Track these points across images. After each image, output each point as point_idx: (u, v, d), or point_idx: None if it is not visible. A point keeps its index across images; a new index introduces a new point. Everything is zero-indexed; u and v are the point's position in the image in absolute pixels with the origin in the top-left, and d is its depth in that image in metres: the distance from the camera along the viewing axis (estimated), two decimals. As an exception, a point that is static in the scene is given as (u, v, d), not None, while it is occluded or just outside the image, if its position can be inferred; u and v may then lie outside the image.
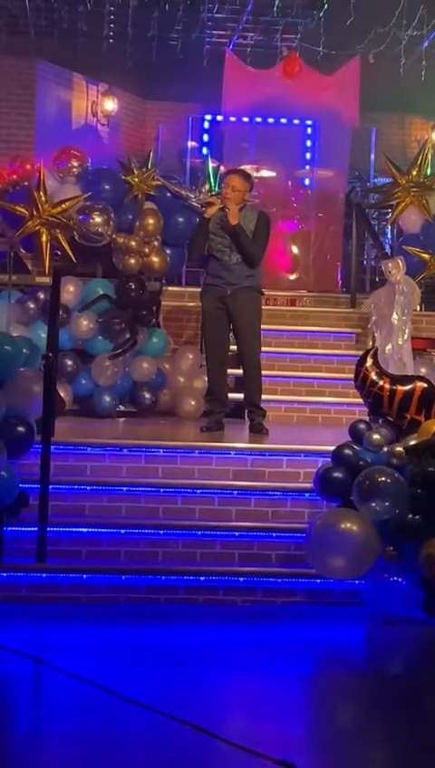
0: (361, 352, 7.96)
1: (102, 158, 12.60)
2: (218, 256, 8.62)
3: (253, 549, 7.10)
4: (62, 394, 9.22)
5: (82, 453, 7.58)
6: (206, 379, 9.01)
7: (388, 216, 12.49)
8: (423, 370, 9.67)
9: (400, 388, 7.16)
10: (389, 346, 9.96)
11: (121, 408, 9.84)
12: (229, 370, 9.08)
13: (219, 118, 13.82)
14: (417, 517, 6.58)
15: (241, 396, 9.03)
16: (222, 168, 13.13)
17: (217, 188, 12.05)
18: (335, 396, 10.22)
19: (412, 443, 6.87)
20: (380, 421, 7.22)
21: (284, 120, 13.68)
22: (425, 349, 10.65)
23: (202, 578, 6.86)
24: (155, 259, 10.81)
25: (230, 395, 9.09)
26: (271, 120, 13.64)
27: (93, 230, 10.77)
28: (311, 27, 13.95)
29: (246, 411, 8.85)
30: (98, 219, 10.77)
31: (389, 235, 13.52)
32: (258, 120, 13.56)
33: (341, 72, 13.46)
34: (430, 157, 12.03)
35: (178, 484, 7.44)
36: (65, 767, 4.34)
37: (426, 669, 6.07)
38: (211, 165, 13.07)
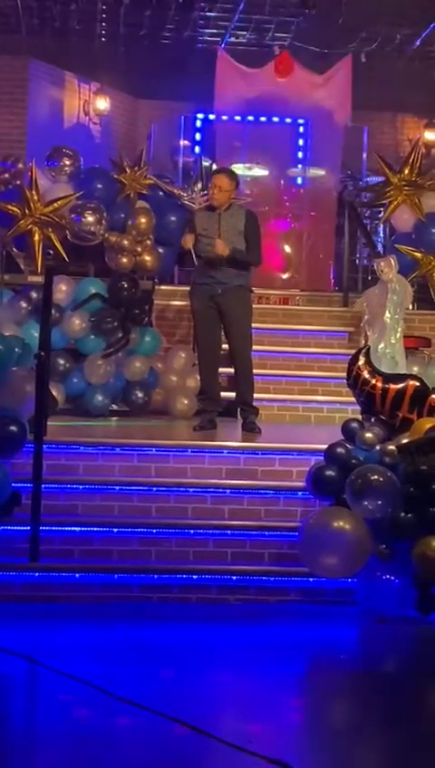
0: (353, 351, 7.96)
1: (95, 156, 12.59)
2: (207, 256, 8.60)
3: (246, 547, 7.10)
4: (54, 393, 9.21)
5: (74, 452, 7.58)
6: (198, 378, 9.01)
7: (380, 215, 12.50)
8: (416, 369, 9.68)
9: (392, 386, 7.17)
10: (381, 344, 9.96)
11: (114, 407, 9.83)
12: (221, 369, 9.08)
13: (211, 116, 13.82)
14: (410, 515, 6.58)
15: (234, 394, 9.02)
16: (214, 166, 13.14)
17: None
18: (328, 394, 10.22)
19: (405, 441, 6.88)
20: (372, 420, 7.22)
21: (276, 119, 13.68)
22: (417, 347, 10.65)
23: (195, 576, 6.86)
24: (147, 258, 10.80)
25: (223, 394, 9.09)
26: (263, 119, 13.64)
27: (86, 229, 10.76)
28: (303, 26, 13.98)
29: (239, 410, 8.85)
30: (90, 218, 10.76)
31: (381, 234, 13.53)
32: (250, 118, 13.55)
33: (333, 71, 13.47)
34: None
35: (170, 483, 7.44)
36: (59, 767, 4.34)
37: (419, 668, 6.07)
38: (204, 164, 13.06)
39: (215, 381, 8.85)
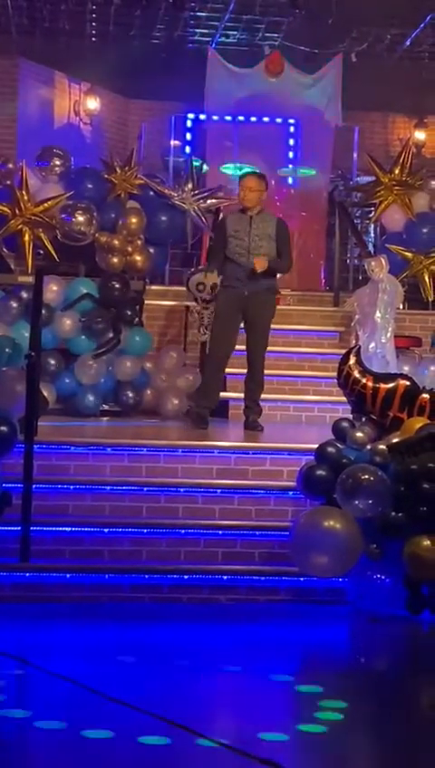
0: (344, 351, 7.96)
1: (85, 156, 12.58)
2: (237, 259, 8.64)
3: (236, 547, 7.10)
4: (45, 393, 9.20)
5: (65, 452, 7.57)
6: (190, 377, 9.03)
7: (371, 215, 12.51)
8: (406, 368, 9.69)
9: (383, 386, 7.17)
10: (372, 344, 9.98)
11: (105, 407, 9.83)
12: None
13: (202, 116, 13.82)
14: (400, 515, 6.59)
15: (227, 394, 9.04)
16: (205, 167, 13.14)
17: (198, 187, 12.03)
18: (319, 394, 10.23)
19: (395, 441, 6.88)
20: (363, 419, 7.23)
21: (266, 119, 13.69)
22: (408, 347, 10.67)
23: (186, 576, 6.87)
24: (138, 258, 10.80)
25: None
26: (254, 119, 13.64)
27: (76, 229, 10.76)
28: (293, 26, 13.99)
29: (244, 407, 8.87)
30: (81, 218, 10.77)
31: (372, 234, 13.54)
32: (241, 118, 13.56)
33: (323, 71, 13.47)
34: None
35: (161, 483, 7.44)
36: (49, 767, 4.34)
37: (410, 667, 6.08)
38: (195, 164, 13.07)
39: (218, 381, 8.93)
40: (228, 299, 8.75)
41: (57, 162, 11.26)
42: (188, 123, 14.24)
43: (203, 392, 8.85)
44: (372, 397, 7.15)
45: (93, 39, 14.79)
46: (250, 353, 8.87)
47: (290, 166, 13.84)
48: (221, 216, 9.03)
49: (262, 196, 8.80)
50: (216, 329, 8.94)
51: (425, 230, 11.75)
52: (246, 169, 13.34)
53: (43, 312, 8.84)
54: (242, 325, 8.83)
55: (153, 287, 11.32)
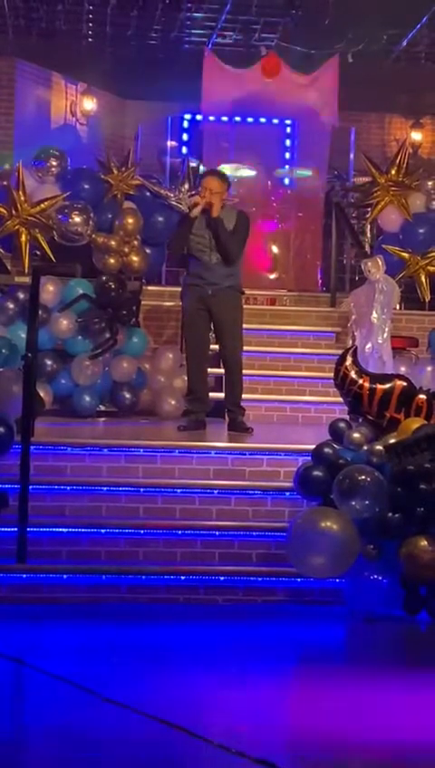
0: (340, 351, 7.97)
1: (82, 157, 12.57)
2: (198, 256, 8.63)
3: (233, 548, 7.11)
4: (41, 394, 9.20)
5: (62, 453, 7.57)
6: (186, 378, 9.02)
7: (367, 215, 12.51)
8: (403, 369, 9.70)
9: (379, 386, 7.18)
10: (368, 345, 9.98)
11: (102, 407, 9.82)
12: (209, 370, 9.08)
13: (199, 117, 13.81)
14: (397, 515, 6.59)
15: (222, 395, 9.03)
16: (201, 167, 13.13)
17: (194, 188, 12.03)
18: (315, 395, 10.23)
19: (392, 441, 6.89)
20: (359, 420, 7.23)
21: (263, 120, 13.68)
22: (405, 347, 10.67)
23: (183, 577, 6.87)
24: (135, 258, 10.80)
25: (211, 394, 9.09)
26: (250, 120, 13.64)
27: (73, 229, 10.75)
28: (290, 27, 13.99)
29: (226, 410, 8.85)
30: (77, 219, 10.76)
31: (368, 234, 13.53)
32: (238, 119, 13.55)
33: (320, 72, 13.46)
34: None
35: (158, 484, 7.44)
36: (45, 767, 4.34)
37: (407, 667, 6.08)
38: (191, 165, 13.07)
39: (203, 382, 8.86)
40: (192, 298, 8.70)
41: (54, 163, 11.25)
42: (185, 124, 14.24)
43: (193, 397, 8.80)
44: (369, 397, 7.15)
45: (90, 40, 14.78)
46: (222, 354, 8.84)
47: (287, 166, 13.84)
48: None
49: (223, 197, 8.81)
50: (186, 330, 8.92)
51: (422, 230, 11.76)
52: (243, 169, 13.51)
53: (40, 312, 8.85)
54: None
55: (150, 288, 11.32)
